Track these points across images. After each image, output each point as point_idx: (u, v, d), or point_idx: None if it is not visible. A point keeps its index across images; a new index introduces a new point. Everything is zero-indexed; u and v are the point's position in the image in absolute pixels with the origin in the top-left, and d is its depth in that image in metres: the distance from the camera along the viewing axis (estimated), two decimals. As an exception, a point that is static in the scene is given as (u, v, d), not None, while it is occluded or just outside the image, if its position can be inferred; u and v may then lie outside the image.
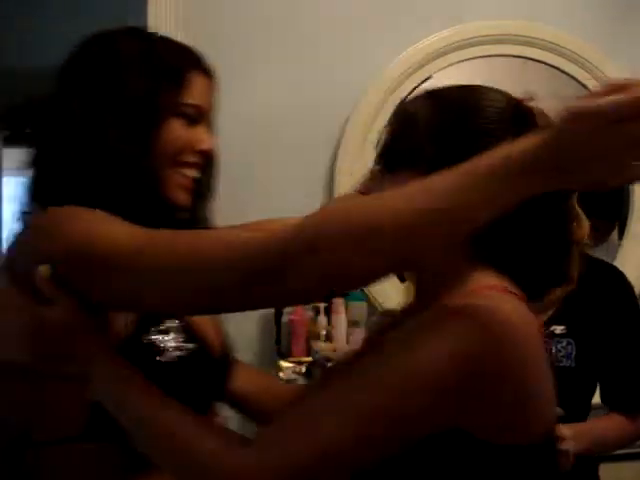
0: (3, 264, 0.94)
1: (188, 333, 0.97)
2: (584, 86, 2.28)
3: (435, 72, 2.33)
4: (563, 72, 2.29)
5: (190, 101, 1.00)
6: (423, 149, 0.87)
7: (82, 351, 0.87)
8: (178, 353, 0.95)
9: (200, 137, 1.02)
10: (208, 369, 1.00)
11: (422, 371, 0.75)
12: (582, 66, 2.28)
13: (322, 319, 2.19)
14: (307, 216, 0.79)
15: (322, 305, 2.19)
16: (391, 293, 2.27)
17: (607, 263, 1.70)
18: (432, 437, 0.77)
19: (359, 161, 2.29)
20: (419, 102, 0.91)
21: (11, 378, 0.94)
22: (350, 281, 0.82)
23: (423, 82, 2.32)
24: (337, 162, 2.29)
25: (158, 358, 0.93)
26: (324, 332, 2.18)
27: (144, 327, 0.94)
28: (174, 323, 0.96)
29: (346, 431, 0.74)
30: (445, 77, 2.34)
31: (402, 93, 2.30)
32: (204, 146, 1.02)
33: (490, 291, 0.81)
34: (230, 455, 0.77)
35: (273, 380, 1.27)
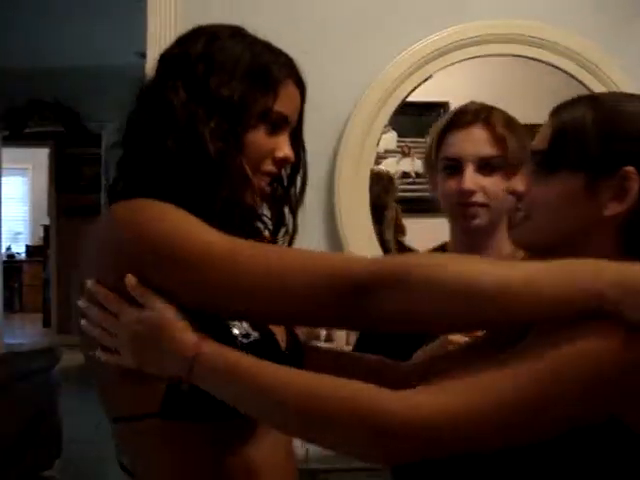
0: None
1: (253, 323, 0.99)
2: (585, 85, 2.27)
3: (435, 72, 2.32)
4: (564, 71, 2.28)
5: (278, 109, 1.03)
6: (589, 150, 0.94)
7: (182, 346, 0.89)
8: (245, 340, 0.97)
9: (279, 145, 1.04)
10: (274, 358, 1.01)
11: (582, 358, 0.80)
12: (583, 65, 2.27)
13: (322, 319, 2.19)
14: (404, 255, 0.86)
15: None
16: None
17: None
18: (586, 429, 0.82)
19: (359, 161, 2.29)
20: (582, 107, 0.98)
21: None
22: (421, 326, 0.89)
23: (423, 82, 2.32)
24: (337, 162, 2.29)
25: (238, 340, 0.95)
26: (324, 332, 2.17)
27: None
28: None
29: (504, 398, 0.79)
30: (445, 77, 2.34)
31: (402, 93, 2.30)
32: (281, 154, 1.05)
33: None
34: (392, 398, 0.80)
35: (354, 361, 1.26)
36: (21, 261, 9.74)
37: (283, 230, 1.14)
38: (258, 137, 1.02)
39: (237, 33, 1.06)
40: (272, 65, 1.04)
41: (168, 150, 0.98)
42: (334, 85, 2.32)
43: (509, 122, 1.53)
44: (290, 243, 1.15)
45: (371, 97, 2.28)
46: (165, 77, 1.02)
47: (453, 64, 2.30)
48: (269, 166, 1.05)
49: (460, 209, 1.52)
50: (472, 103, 1.56)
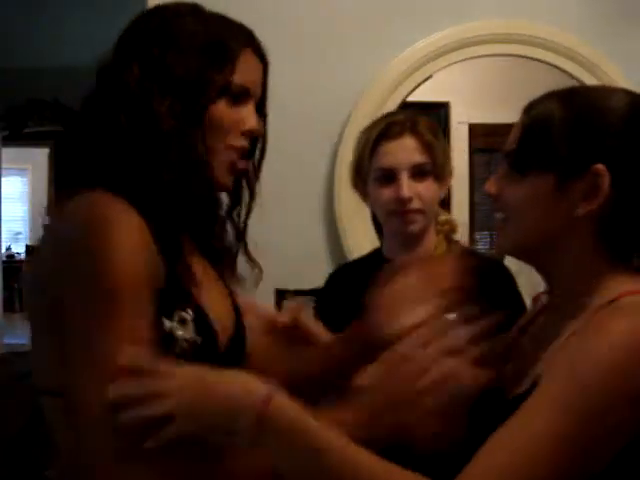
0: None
1: (199, 325, 0.97)
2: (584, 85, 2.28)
3: (435, 72, 2.32)
4: (563, 71, 2.28)
5: (238, 81, 1.01)
6: (557, 151, 0.91)
7: (251, 399, 0.83)
8: (184, 345, 0.95)
9: (245, 117, 1.03)
10: (212, 360, 0.99)
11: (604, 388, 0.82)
12: (582, 65, 2.27)
13: (322, 319, 2.18)
14: None
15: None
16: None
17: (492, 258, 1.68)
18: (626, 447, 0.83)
19: (359, 161, 2.29)
20: (551, 104, 0.94)
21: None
22: None
23: (423, 82, 2.32)
24: (337, 161, 2.29)
25: (179, 343, 0.94)
26: (324, 332, 2.17)
27: (168, 309, 0.94)
28: (189, 315, 0.96)
29: (546, 451, 0.80)
30: (445, 77, 2.34)
31: (402, 93, 2.30)
32: (247, 126, 1.03)
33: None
34: None
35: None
36: (21, 261, 9.73)
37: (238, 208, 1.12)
38: (220, 111, 1.00)
39: (193, 10, 1.05)
40: (227, 37, 1.02)
41: (121, 126, 0.96)
42: (334, 85, 2.32)
43: (433, 129, 1.63)
44: (245, 223, 1.13)
45: (371, 97, 2.28)
46: (120, 56, 1.02)
47: (453, 64, 2.31)
48: (237, 140, 1.03)
49: (398, 216, 1.61)
50: (397, 114, 1.66)
